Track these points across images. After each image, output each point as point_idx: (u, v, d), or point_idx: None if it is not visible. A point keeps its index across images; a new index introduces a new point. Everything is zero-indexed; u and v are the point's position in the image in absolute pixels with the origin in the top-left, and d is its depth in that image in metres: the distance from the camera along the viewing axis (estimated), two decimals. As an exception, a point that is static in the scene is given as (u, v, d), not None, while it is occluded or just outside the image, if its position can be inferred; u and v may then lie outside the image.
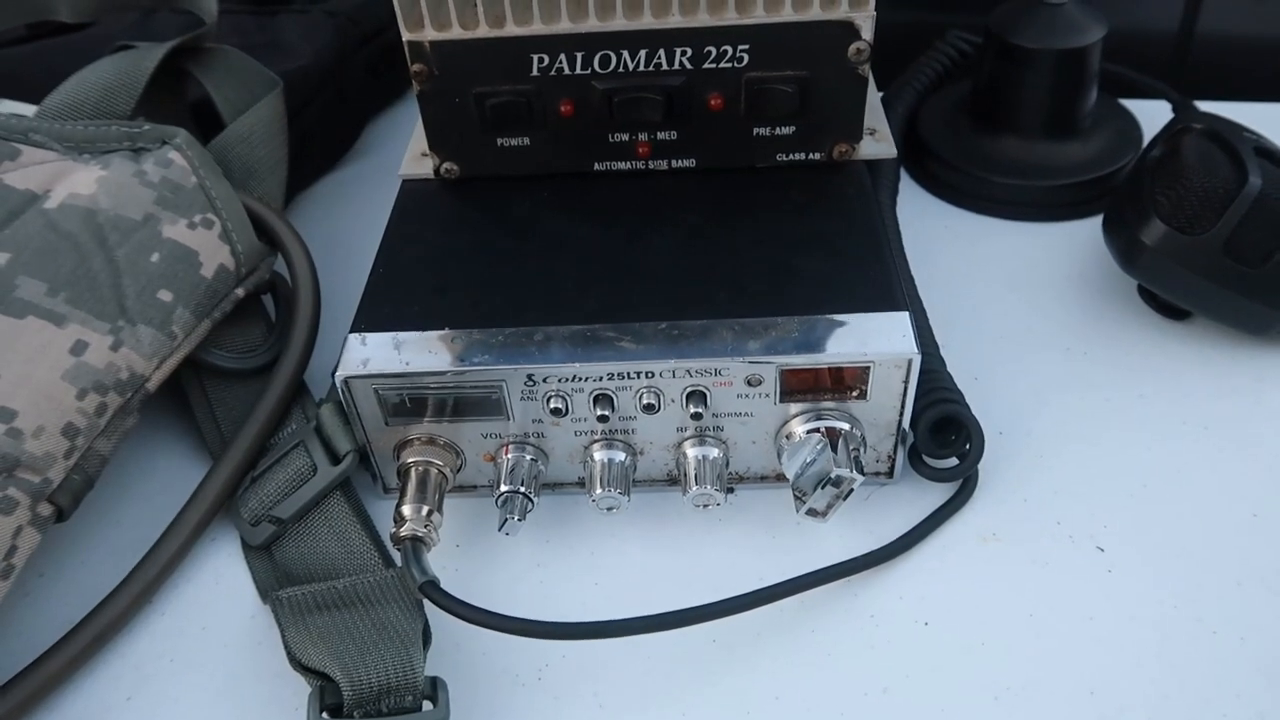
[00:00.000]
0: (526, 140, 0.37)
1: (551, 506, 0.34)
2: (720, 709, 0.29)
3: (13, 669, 0.30)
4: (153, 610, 0.32)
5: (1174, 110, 0.46)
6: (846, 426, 0.32)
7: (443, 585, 0.29)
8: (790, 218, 0.36)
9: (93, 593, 0.31)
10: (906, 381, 0.31)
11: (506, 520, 0.31)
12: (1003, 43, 0.44)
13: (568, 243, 0.35)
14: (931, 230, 0.45)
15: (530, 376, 0.31)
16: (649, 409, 0.31)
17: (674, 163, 0.38)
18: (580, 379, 0.31)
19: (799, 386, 0.31)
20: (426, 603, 0.29)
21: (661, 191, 0.37)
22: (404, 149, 0.41)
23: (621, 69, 0.35)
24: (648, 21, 0.34)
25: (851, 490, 0.31)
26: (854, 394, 0.31)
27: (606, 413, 0.32)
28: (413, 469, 0.32)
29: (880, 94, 0.46)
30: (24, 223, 0.33)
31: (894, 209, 0.44)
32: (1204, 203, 0.36)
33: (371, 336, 0.32)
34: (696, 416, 0.31)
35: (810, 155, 0.38)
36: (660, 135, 0.37)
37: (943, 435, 0.33)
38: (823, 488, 0.31)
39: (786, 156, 0.38)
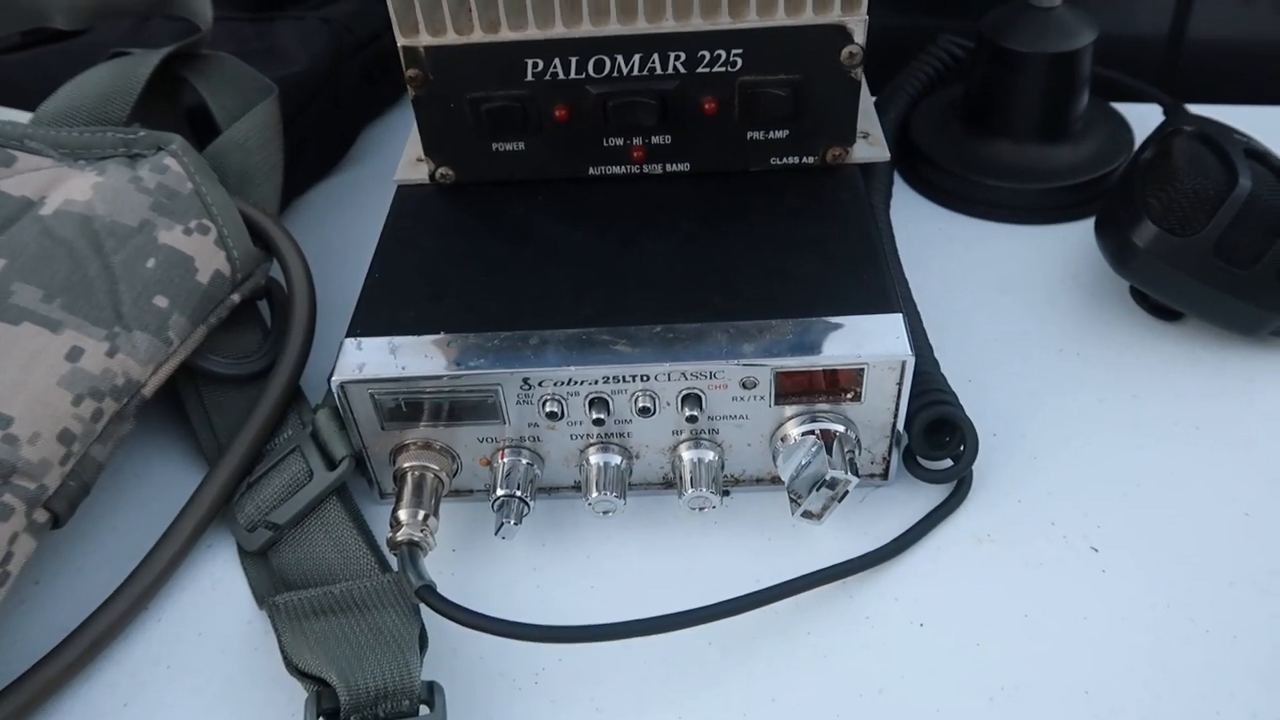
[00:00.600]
0: (521, 145, 0.38)
1: (548, 510, 0.34)
2: (717, 711, 0.29)
3: (9, 676, 0.30)
4: (149, 616, 0.32)
5: (1165, 113, 0.47)
6: (841, 429, 0.32)
7: (439, 590, 0.29)
8: (784, 221, 0.36)
9: (89, 599, 0.31)
10: (901, 383, 0.31)
11: (503, 525, 0.31)
12: (995, 46, 0.44)
13: (563, 247, 0.35)
14: (925, 234, 0.45)
15: (526, 380, 0.31)
16: (644, 412, 0.32)
17: (668, 167, 0.38)
18: (576, 382, 0.31)
19: (794, 389, 0.31)
20: (423, 607, 0.29)
21: (656, 195, 0.38)
22: (399, 155, 0.41)
23: (616, 73, 0.35)
24: (641, 26, 0.34)
25: (847, 492, 0.31)
26: (849, 396, 0.31)
27: (602, 416, 0.32)
28: (409, 474, 0.32)
29: (873, 98, 0.47)
30: (19, 229, 0.33)
31: (887, 212, 0.44)
32: (1195, 204, 0.36)
33: (367, 341, 0.32)
34: (692, 419, 0.32)
35: (804, 159, 0.38)
36: (654, 139, 0.37)
37: (937, 437, 0.33)
38: (818, 490, 0.31)
39: (780, 160, 0.38)
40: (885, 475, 0.34)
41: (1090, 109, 0.46)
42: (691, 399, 0.31)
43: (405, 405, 0.32)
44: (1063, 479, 0.34)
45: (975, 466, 0.34)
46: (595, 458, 0.33)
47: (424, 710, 0.28)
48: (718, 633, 0.30)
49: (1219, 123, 0.38)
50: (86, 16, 0.45)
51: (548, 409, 0.32)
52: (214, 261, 0.36)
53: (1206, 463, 0.34)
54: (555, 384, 0.31)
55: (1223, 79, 0.56)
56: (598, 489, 0.32)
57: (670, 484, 0.34)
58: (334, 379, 0.31)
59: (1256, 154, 0.37)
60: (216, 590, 0.33)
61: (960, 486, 0.33)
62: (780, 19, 0.34)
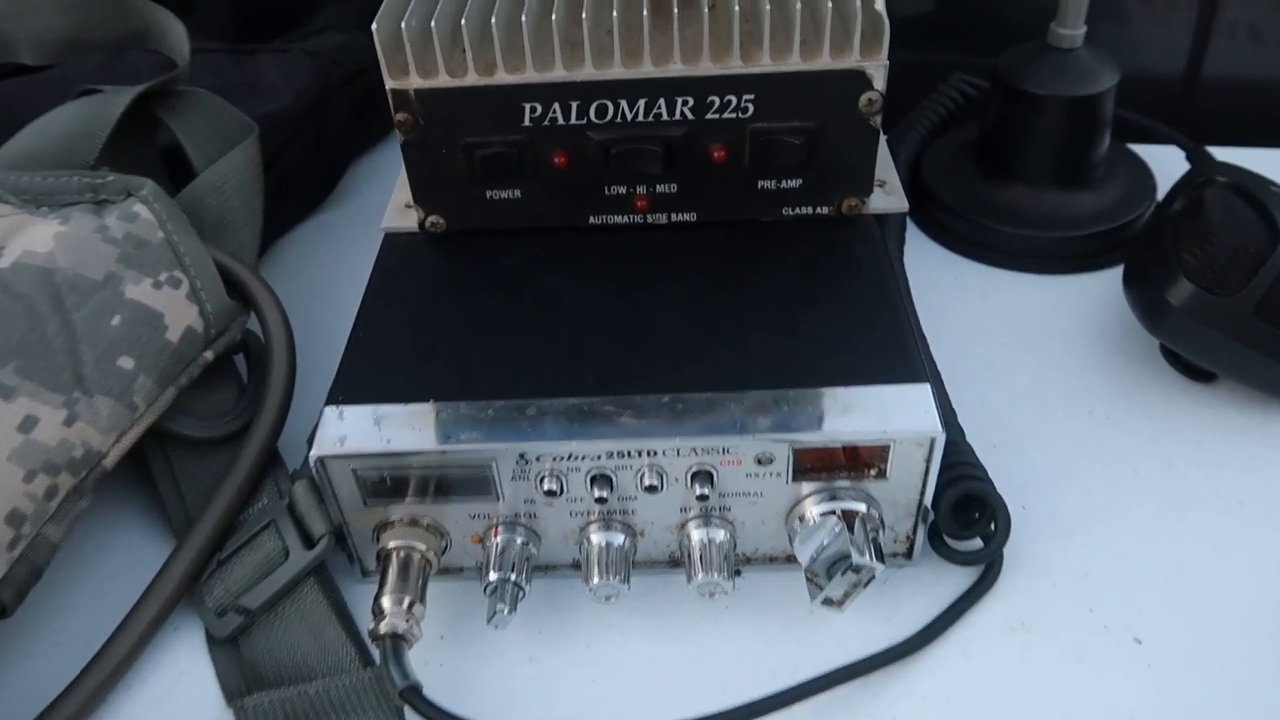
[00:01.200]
0: (518, 193, 0.35)
1: (544, 591, 0.32)
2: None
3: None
4: (107, 713, 0.29)
5: (1189, 159, 0.45)
6: (864, 508, 0.29)
7: (426, 688, 0.27)
8: (798, 277, 0.34)
9: (41, 693, 0.28)
10: (929, 460, 0.29)
11: (496, 613, 0.29)
12: (1011, 88, 0.42)
13: (562, 304, 0.33)
14: (938, 281, 0.43)
15: (523, 455, 0.29)
16: (651, 490, 0.29)
17: (674, 216, 0.36)
18: (577, 458, 0.29)
19: (813, 465, 0.29)
20: (408, 709, 0.27)
21: (661, 247, 0.35)
22: (388, 193, 0.38)
23: (619, 119, 0.33)
24: (647, 70, 0.32)
25: (871, 578, 0.28)
26: (872, 473, 0.29)
27: (605, 494, 0.29)
28: (393, 554, 0.30)
29: (884, 137, 0.45)
30: (-30, 286, 0.30)
31: (901, 258, 0.42)
32: (1233, 261, 0.34)
33: (349, 410, 0.30)
34: (702, 498, 0.29)
35: (818, 209, 0.36)
36: (660, 188, 0.35)
37: (965, 514, 0.31)
38: (840, 575, 0.28)
39: (793, 210, 0.36)
40: (909, 555, 0.31)
41: (1109, 152, 0.44)
42: (702, 476, 0.29)
43: (391, 481, 0.29)
44: (1100, 559, 0.32)
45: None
46: (597, 537, 0.30)
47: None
48: (731, 733, 0.28)
49: (1254, 173, 0.36)
50: (55, 51, 0.42)
51: (546, 486, 0.29)
52: (185, 317, 0.34)
53: (1253, 541, 0.32)
54: (555, 459, 0.29)
55: (1239, 119, 0.54)
56: (600, 573, 0.29)
57: (677, 563, 0.32)
58: (313, 453, 0.29)
59: (1296, 208, 0.35)
60: (182, 683, 0.30)
61: (990, 569, 0.31)
62: (795, 64, 0.32)
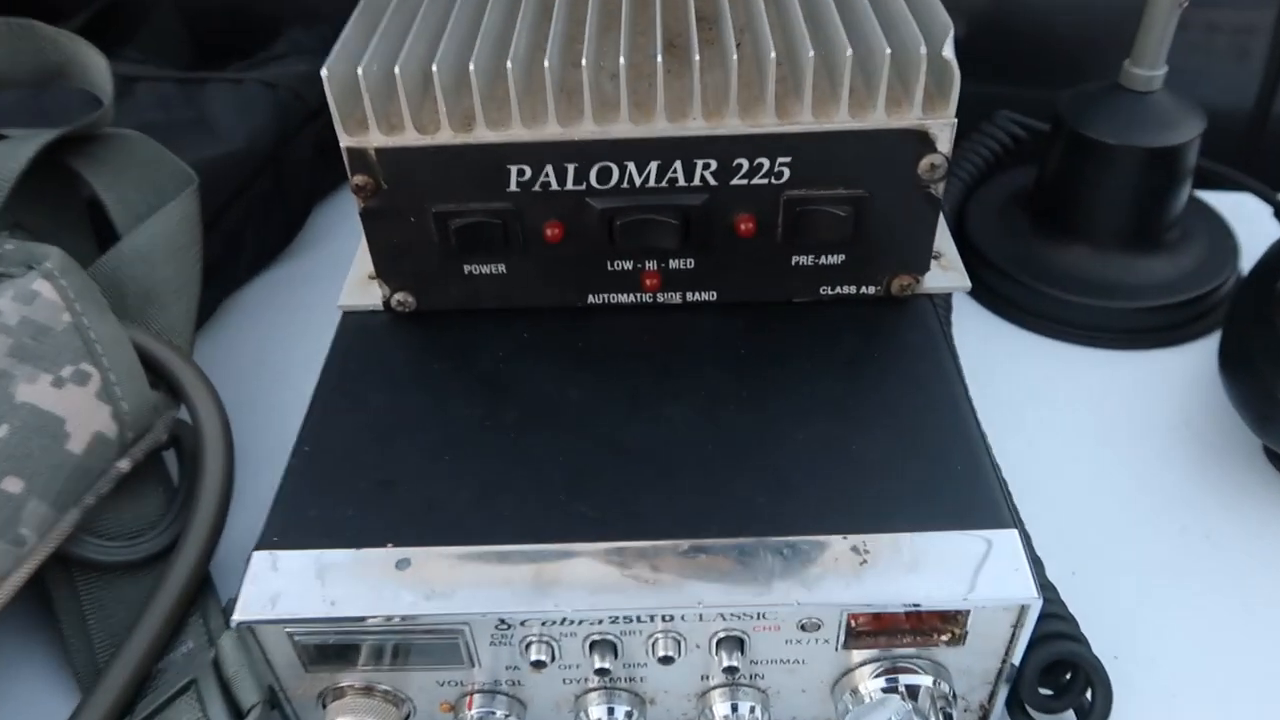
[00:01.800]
0: (502, 268, 0.29)
1: (531, 768, 0.26)
2: None
3: None
4: None
5: (1278, 214, 0.39)
6: (931, 680, 0.23)
7: None
8: (842, 375, 0.28)
9: None
10: (1018, 627, 0.23)
11: (470, 818, 0.23)
12: (1077, 135, 0.37)
13: (555, 414, 0.27)
14: (989, 354, 0.37)
15: (504, 621, 0.23)
16: (666, 660, 0.23)
17: (690, 296, 0.30)
18: (572, 623, 0.23)
19: (870, 630, 0.23)
20: None
21: (675, 336, 0.29)
22: (356, 241, 0.32)
23: (626, 184, 0.27)
24: (661, 127, 0.26)
25: (944, 777, 0.23)
26: (944, 639, 0.23)
27: (607, 665, 0.23)
28: (343, 734, 0.24)
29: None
30: None
31: (950, 337, 0.36)
32: (1362, 357, 0.28)
33: (287, 557, 0.24)
34: (730, 670, 0.23)
35: (863, 289, 0.30)
36: (673, 264, 0.29)
37: (1053, 676, 0.25)
38: (903, 768, 0.23)
39: (832, 290, 0.30)
40: (983, 728, 0.26)
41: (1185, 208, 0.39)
42: (730, 643, 0.23)
43: (338, 648, 0.23)
44: (1215, 731, 0.26)
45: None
46: (597, 709, 0.24)
47: None
48: None
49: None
50: (-40, 86, 0.36)
51: (533, 655, 0.23)
52: (94, 421, 0.28)
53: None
54: (544, 624, 0.23)
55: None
56: (601, 764, 0.23)
57: (695, 734, 0.26)
58: (236, 616, 0.23)
59: None
60: None
61: (1084, 747, 0.25)
62: (842, 121, 0.26)
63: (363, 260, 0.31)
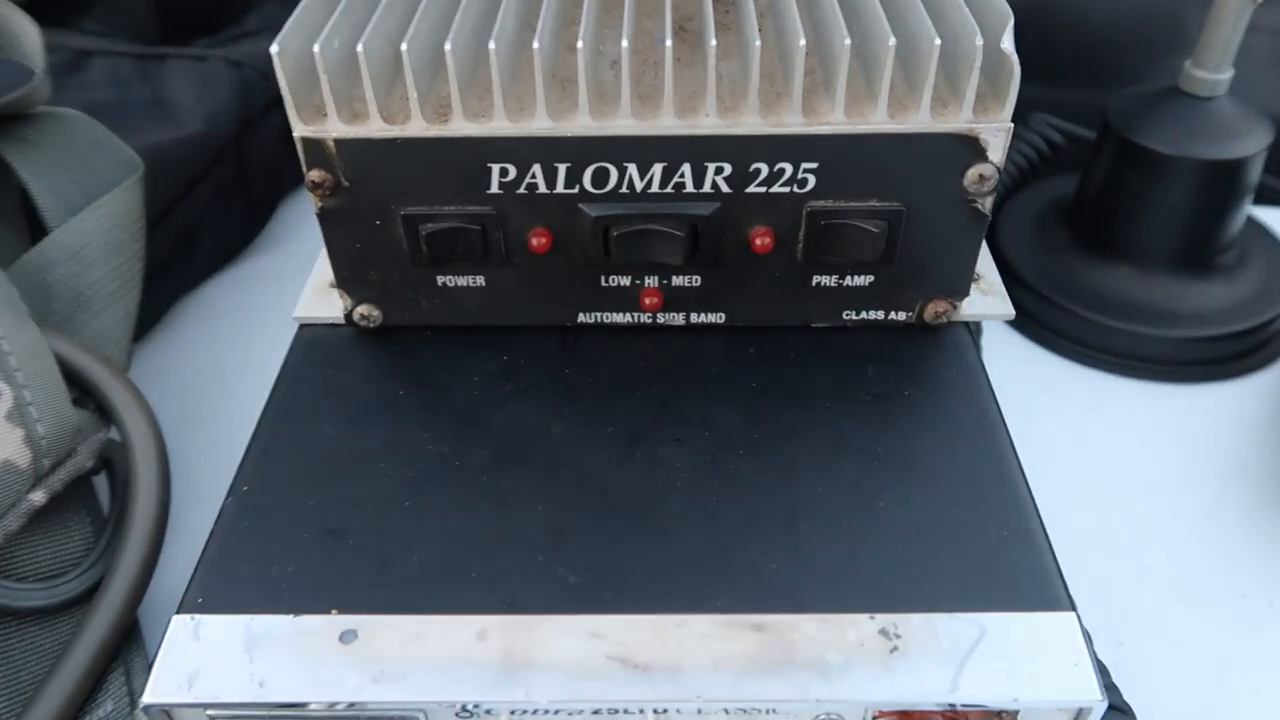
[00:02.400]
0: (480, 280, 0.26)
1: None
2: None
3: None
4: None
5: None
6: (969, 787, 0.20)
7: None
8: (867, 417, 0.24)
9: None
10: (1074, 731, 0.19)
11: None
12: (1128, 143, 0.33)
13: (534, 451, 0.23)
14: (1020, 383, 0.34)
15: (466, 709, 0.19)
16: (657, 758, 0.20)
17: (695, 317, 0.26)
18: (547, 713, 0.19)
19: (899, 727, 0.20)
20: None
21: (675, 362, 0.26)
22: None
23: (625, 189, 0.24)
24: (668, 124, 0.23)
25: None
26: (985, 740, 0.20)
27: (589, 762, 0.20)
28: (273, 834, 0.20)
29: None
30: None
31: (983, 364, 0.32)
32: None
33: (211, 624, 0.20)
34: (733, 772, 0.20)
35: (891, 314, 0.26)
36: (677, 280, 0.26)
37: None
38: None
39: (857, 315, 0.26)
40: (1023, 836, 0.22)
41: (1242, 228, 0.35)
42: (734, 739, 0.20)
43: (268, 734, 0.20)
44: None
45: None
46: (575, 806, 0.21)
47: None
48: None
49: None
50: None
51: (501, 749, 0.20)
52: (3, 447, 0.24)
53: None
54: (513, 713, 0.19)
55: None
56: None
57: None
58: (145, 699, 0.19)
59: None
60: None
61: None
62: (879, 122, 0.22)
63: (324, 266, 0.27)
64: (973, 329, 0.28)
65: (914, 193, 0.24)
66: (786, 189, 0.24)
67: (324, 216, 0.24)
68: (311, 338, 0.27)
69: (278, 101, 0.39)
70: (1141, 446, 0.32)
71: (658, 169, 0.23)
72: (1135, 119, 0.33)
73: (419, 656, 0.19)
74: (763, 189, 0.24)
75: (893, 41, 0.21)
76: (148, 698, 0.19)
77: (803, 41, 0.21)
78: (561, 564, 0.21)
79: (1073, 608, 0.20)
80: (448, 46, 0.22)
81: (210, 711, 0.19)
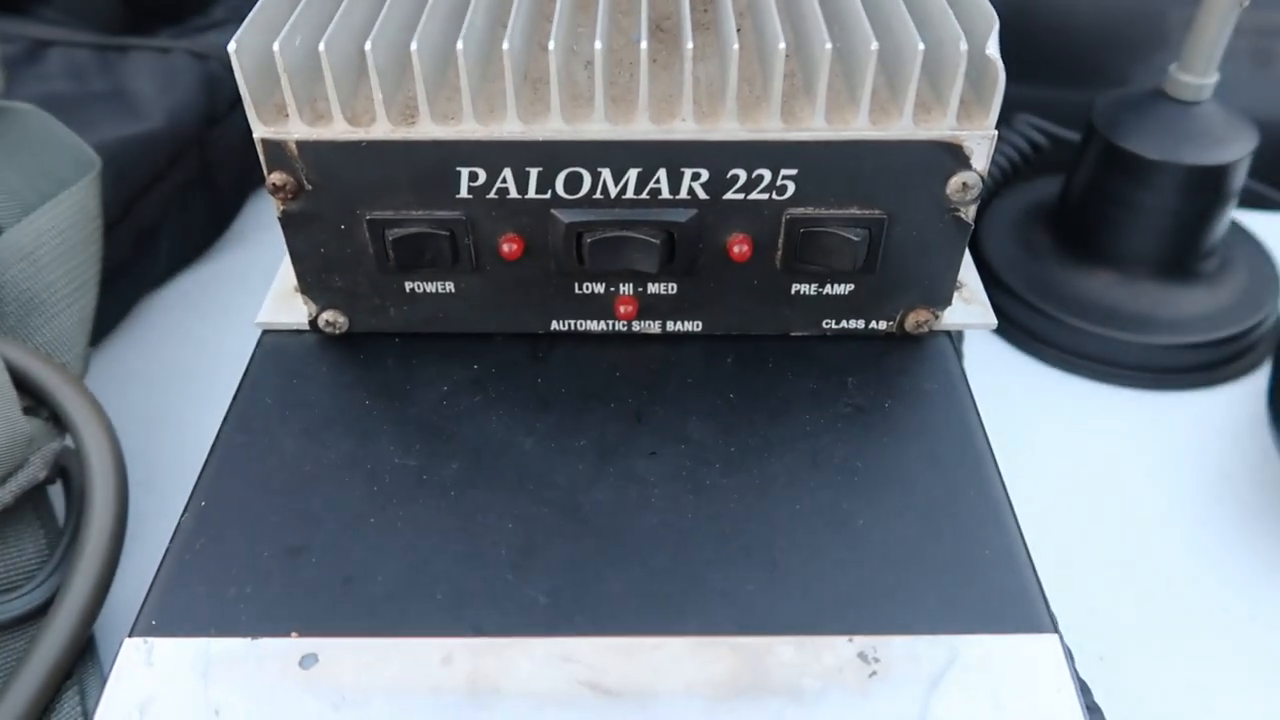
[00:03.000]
0: (449, 286, 0.25)
1: None
2: None
3: None
4: None
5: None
6: (948, 812, 0.20)
7: None
8: (847, 431, 0.23)
9: None
10: (1056, 757, 0.19)
11: None
12: (1112, 147, 0.33)
13: (503, 465, 0.22)
14: (1000, 389, 0.33)
15: (430, 737, 0.19)
16: (629, 787, 0.19)
17: (670, 326, 0.26)
18: (515, 741, 0.19)
19: (877, 755, 0.19)
20: None
21: (650, 372, 0.25)
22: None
23: (599, 195, 0.23)
24: (644, 128, 0.22)
25: None
26: (965, 765, 0.19)
27: (557, 791, 0.19)
28: None
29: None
30: None
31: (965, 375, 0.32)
32: None
33: (165, 647, 0.19)
34: (707, 800, 0.19)
35: (872, 324, 0.26)
36: (653, 288, 0.25)
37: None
38: None
39: (836, 324, 0.26)
40: None
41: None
42: (708, 766, 0.19)
43: (223, 764, 0.19)
44: None
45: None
46: (544, 834, 0.20)
47: None
48: None
49: None
50: None
51: (467, 778, 0.19)
52: (-52, 458, 0.23)
53: None
54: (480, 741, 0.19)
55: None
56: None
57: None
58: (94, 728, 0.18)
59: None
60: None
61: None
62: (860, 129, 0.22)
63: (289, 269, 0.26)
64: (955, 338, 0.28)
65: (896, 200, 0.23)
66: (765, 196, 0.23)
67: (286, 221, 0.23)
68: (274, 344, 0.26)
69: (244, 96, 0.38)
70: (1124, 454, 0.31)
71: (633, 174, 0.22)
72: (1120, 123, 0.33)
73: (380, 683, 0.19)
74: (741, 195, 0.23)
75: (875, 46, 0.21)
76: (96, 727, 0.18)
77: (783, 45, 0.21)
78: (531, 584, 0.20)
79: (1055, 629, 0.19)
80: (414, 45, 0.21)
81: (162, 740, 0.18)
